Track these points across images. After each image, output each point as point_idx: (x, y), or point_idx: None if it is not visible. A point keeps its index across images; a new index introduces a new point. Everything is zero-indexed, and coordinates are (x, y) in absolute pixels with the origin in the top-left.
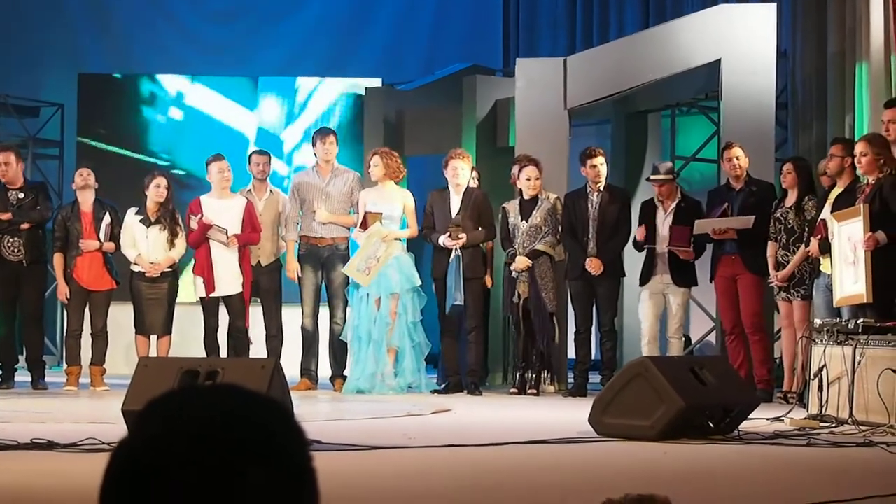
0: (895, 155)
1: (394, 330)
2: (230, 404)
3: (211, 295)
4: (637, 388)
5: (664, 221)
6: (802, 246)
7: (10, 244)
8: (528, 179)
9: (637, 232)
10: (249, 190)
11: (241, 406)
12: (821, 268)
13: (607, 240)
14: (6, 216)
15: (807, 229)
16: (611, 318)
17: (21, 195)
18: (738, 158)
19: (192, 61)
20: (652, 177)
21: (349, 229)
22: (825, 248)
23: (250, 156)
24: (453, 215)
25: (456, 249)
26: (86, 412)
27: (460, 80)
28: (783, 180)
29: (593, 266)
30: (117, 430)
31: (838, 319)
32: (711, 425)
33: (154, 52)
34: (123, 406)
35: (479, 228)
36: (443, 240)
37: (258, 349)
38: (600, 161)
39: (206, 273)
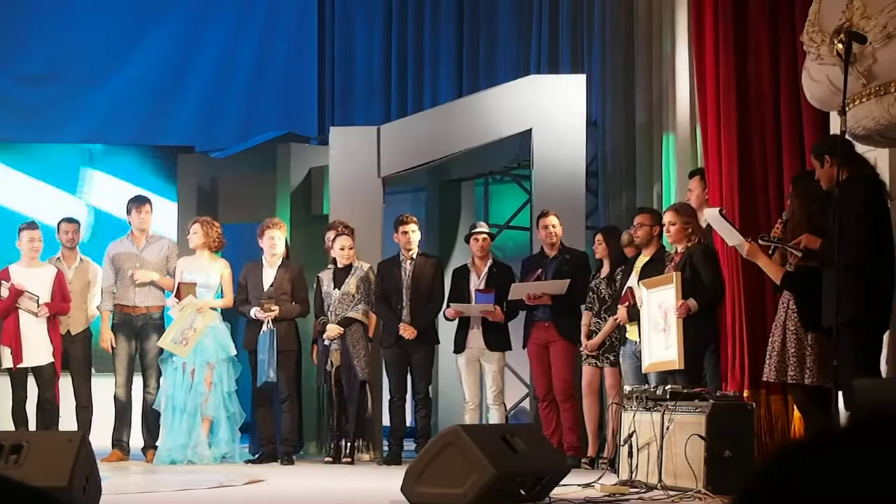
0: (701, 223)
1: (209, 399)
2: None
3: (19, 365)
4: (449, 457)
5: (476, 286)
6: (613, 315)
7: None
8: (342, 249)
9: (447, 312)
10: (59, 258)
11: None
12: (627, 335)
13: (421, 307)
14: None
15: (616, 298)
16: (425, 385)
17: None
18: (553, 226)
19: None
20: (474, 231)
21: (165, 293)
22: (633, 314)
23: (59, 224)
24: (266, 287)
25: (269, 323)
26: None
27: (275, 147)
28: (595, 250)
29: (407, 332)
30: None
31: (647, 386)
32: (524, 492)
33: None
34: None
35: (293, 302)
36: (254, 312)
37: (68, 420)
38: (412, 228)
39: (14, 343)
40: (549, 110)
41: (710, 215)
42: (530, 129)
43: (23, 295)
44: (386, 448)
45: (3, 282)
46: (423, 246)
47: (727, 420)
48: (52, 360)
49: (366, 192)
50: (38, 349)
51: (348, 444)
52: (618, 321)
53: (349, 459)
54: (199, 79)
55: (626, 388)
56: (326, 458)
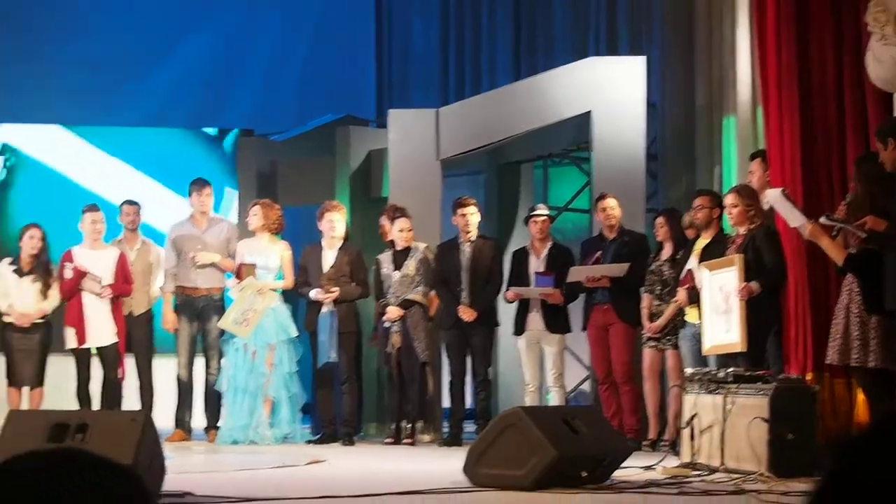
0: (762, 206)
1: (270, 381)
2: (75, 470)
3: (83, 346)
4: (510, 438)
5: (536, 269)
6: (676, 297)
7: None
8: (401, 231)
9: (507, 295)
10: (120, 240)
11: (85, 472)
12: (686, 317)
13: (480, 289)
14: None
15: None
16: (485, 368)
17: None
18: (611, 208)
19: (60, 109)
20: (533, 214)
21: (226, 275)
22: (693, 297)
23: (121, 206)
24: (326, 269)
25: (329, 304)
26: None
27: (334, 130)
28: (656, 233)
29: (466, 314)
30: None
31: (708, 369)
32: (584, 474)
33: (23, 101)
34: None
35: (353, 284)
36: (314, 294)
37: (131, 401)
38: (471, 210)
39: (78, 324)
40: (609, 92)
41: (772, 196)
42: (589, 112)
43: (86, 276)
44: (446, 430)
45: (67, 263)
46: (481, 228)
47: (790, 403)
48: (116, 340)
49: (424, 175)
50: (101, 330)
51: (409, 426)
52: (678, 304)
53: (409, 441)
54: (258, 62)
55: (688, 370)
56: (387, 440)
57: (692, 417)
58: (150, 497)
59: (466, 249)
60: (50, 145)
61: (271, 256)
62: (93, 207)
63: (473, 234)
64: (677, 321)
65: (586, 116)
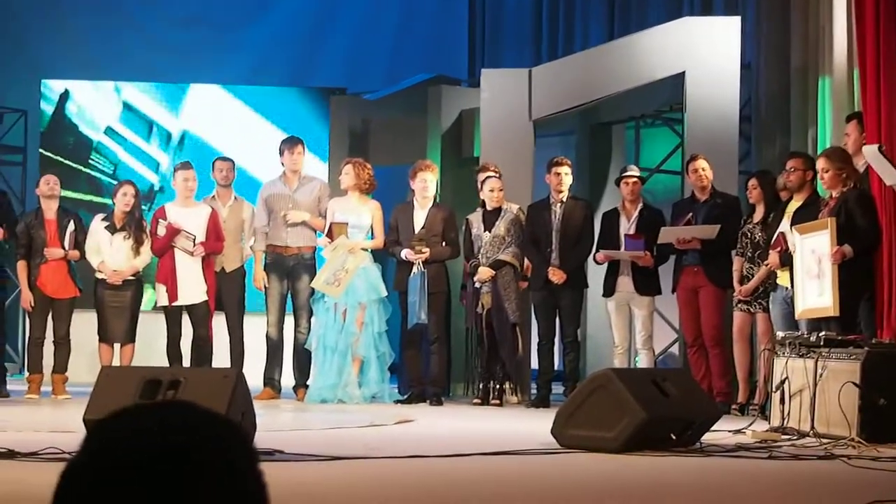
0: (857, 167)
1: (360, 340)
2: (182, 422)
3: (174, 303)
4: (600, 400)
5: (626, 231)
6: (768, 260)
7: None
8: (492, 191)
9: (597, 257)
10: (213, 197)
11: (192, 424)
12: (778, 280)
13: (570, 250)
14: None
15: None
16: (574, 329)
17: None
18: (703, 170)
19: (156, 68)
20: (624, 175)
21: (316, 234)
22: (785, 260)
23: (214, 162)
24: (417, 229)
25: (419, 265)
26: (47, 421)
27: (426, 90)
28: (749, 195)
29: (556, 276)
30: (79, 438)
31: (800, 332)
32: (674, 437)
33: (117, 58)
34: (85, 415)
35: (444, 244)
36: (405, 254)
37: (221, 358)
38: (565, 170)
39: (170, 281)
40: (703, 53)
41: (867, 152)
42: (683, 72)
43: (179, 234)
44: (534, 391)
45: (160, 221)
46: (572, 189)
47: (882, 368)
48: (206, 298)
49: (516, 135)
50: (192, 287)
51: (497, 387)
52: (769, 267)
53: (497, 401)
54: (350, 20)
55: (779, 334)
56: (475, 400)
57: (782, 381)
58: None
59: (557, 210)
60: (158, 102)
61: (362, 216)
62: (185, 165)
63: (565, 194)
64: (768, 284)
65: (680, 77)
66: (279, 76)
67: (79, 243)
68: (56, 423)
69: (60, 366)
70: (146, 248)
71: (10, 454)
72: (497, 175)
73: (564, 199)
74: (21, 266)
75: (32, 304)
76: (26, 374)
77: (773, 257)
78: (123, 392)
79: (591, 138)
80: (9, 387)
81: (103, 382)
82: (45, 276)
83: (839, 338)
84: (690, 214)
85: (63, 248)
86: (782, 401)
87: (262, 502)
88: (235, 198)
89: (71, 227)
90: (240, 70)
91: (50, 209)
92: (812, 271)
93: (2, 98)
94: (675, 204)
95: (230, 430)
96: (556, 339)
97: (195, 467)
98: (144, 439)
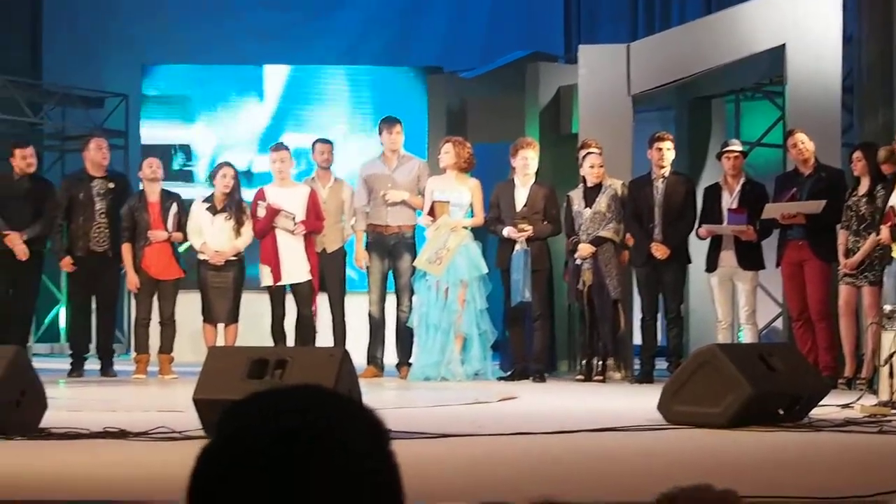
0: None
1: (462, 317)
2: (316, 405)
3: (278, 283)
4: (706, 376)
5: (729, 205)
6: (873, 233)
7: (96, 234)
8: (592, 167)
9: (700, 232)
10: (313, 178)
11: (326, 407)
12: (892, 254)
13: (672, 226)
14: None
15: (877, 217)
16: (677, 305)
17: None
18: (802, 143)
19: (254, 51)
20: (726, 150)
21: (416, 212)
22: None
23: (314, 144)
24: (518, 207)
25: (522, 242)
26: (155, 400)
27: (523, 67)
28: (853, 167)
29: (659, 251)
30: (188, 418)
31: None
32: (781, 412)
33: (215, 42)
34: (195, 395)
35: (545, 221)
36: (507, 231)
37: (324, 337)
38: (667, 145)
39: (273, 261)
40: (804, 25)
41: None
42: (783, 45)
43: (279, 214)
44: (637, 367)
45: (259, 202)
46: (673, 165)
47: None
48: (310, 277)
49: (615, 111)
50: (296, 267)
51: (600, 363)
52: (880, 241)
53: (601, 378)
54: None
55: (887, 307)
56: (578, 377)
57: (891, 355)
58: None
59: (659, 185)
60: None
61: (463, 194)
62: (278, 146)
63: (667, 169)
64: (874, 257)
65: (780, 50)
66: (375, 56)
67: (182, 225)
68: (165, 402)
69: (167, 346)
70: (247, 229)
71: (122, 434)
72: (597, 151)
73: (666, 175)
74: (126, 249)
75: (138, 287)
76: (132, 354)
77: (885, 232)
78: (231, 372)
79: (690, 113)
80: (116, 367)
81: (211, 362)
82: (149, 258)
83: None
84: (795, 189)
85: (166, 230)
86: (891, 375)
87: (395, 483)
88: (335, 179)
89: (174, 209)
90: (337, 50)
91: (153, 192)
92: None
93: (103, 82)
94: (778, 178)
95: (363, 413)
96: (659, 315)
97: (327, 451)
98: (276, 423)
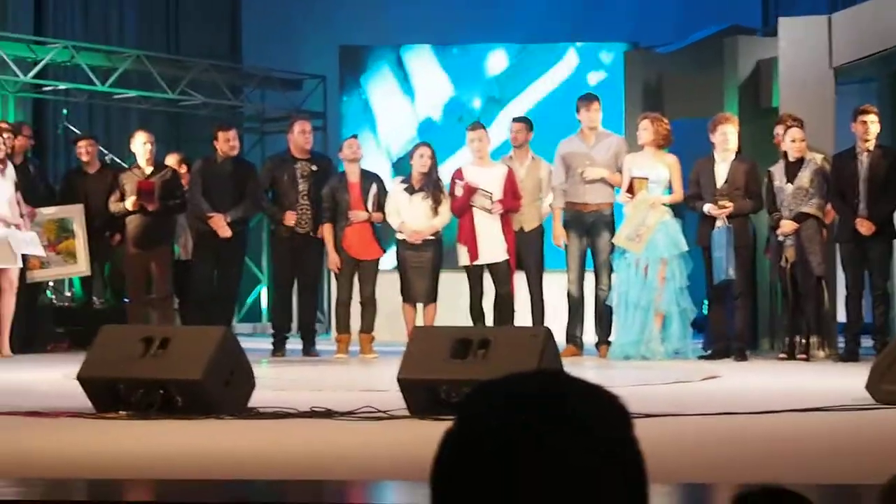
0: None
1: (662, 295)
2: (558, 389)
3: (475, 263)
4: None
5: None
6: None
7: (299, 215)
8: (794, 141)
9: None
10: (510, 157)
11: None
12: None
13: (878, 200)
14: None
15: None
16: (884, 281)
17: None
18: None
19: (443, 31)
20: None
21: (615, 190)
22: None
23: (512, 122)
24: (719, 184)
25: (724, 219)
26: (359, 380)
27: (720, 41)
28: None
29: (864, 227)
30: (391, 397)
31: None
32: None
33: (412, 22)
34: (399, 375)
35: (746, 198)
36: (708, 208)
37: (522, 316)
38: (872, 118)
39: (470, 241)
40: None
41: None
42: None
43: (476, 192)
44: (842, 345)
45: (457, 181)
46: (878, 138)
47: None
48: (507, 256)
49: (816, 84)
50: (493, 246)
51: (803, 341)
52: None
53: (804, 356)
54: None
55: None
56: (780, 355)
57: None
58: None
59: (864, 159)
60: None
61: (661, 170)
62: (475, 125)
63: (872, 143)
64: None
65: None
66: (570, 33)
67: (381, 205)
68: (368, 382)
69: (367, 326)
70: (445, 208)
71: (328, 413)
72: (799, 125)
73: (871, 148)
74: (327, 229)
75: (339, 266)
76: (333, 334)
77: None
78: (435, 352)
79: (892, 85)
80: (317, 346)
81: (415, 342)
82: (349, 238)
83: None
84: None
85: (367, 210)
86: None
87: (640, 468)
88: (533, 157)
89: (374, 189)
90: (530, 28)
91: (353, 172)
92: None
93: (302, 64)
94: None
95: (605, 397)
96: (865, 292)
97: (572, 436)
98: (519, 408)
